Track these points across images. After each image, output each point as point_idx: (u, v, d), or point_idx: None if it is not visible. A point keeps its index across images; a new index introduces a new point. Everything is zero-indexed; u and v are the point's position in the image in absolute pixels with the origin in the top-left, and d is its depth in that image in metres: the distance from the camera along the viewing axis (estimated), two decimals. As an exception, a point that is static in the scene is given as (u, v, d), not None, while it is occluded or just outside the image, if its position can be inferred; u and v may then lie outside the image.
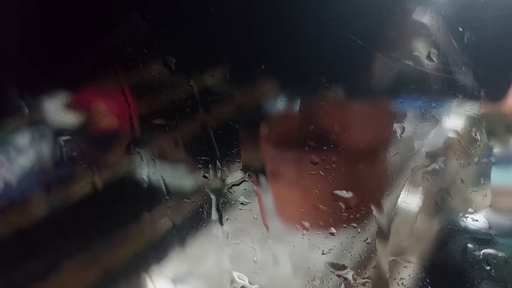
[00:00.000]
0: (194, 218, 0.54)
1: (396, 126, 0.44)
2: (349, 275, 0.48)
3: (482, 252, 0.44)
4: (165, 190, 0.55)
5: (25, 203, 0.62)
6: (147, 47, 0.50)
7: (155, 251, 0.58)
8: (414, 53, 0.42)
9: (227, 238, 0.53)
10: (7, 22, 0.57)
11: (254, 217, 0.51)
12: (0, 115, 0.61)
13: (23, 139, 0.61)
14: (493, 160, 0.43)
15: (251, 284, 0.54)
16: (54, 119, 0.59)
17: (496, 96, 0.41)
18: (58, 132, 0.59)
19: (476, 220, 0.44)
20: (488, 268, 0.44)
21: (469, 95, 0.42)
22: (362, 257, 0.48)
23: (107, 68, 0.53)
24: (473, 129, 0.43)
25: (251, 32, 0.46)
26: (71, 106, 0.58)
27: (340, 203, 0.47)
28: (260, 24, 0.46)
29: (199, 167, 0.52)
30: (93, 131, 0.58)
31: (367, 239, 0.47)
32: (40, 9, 0.56)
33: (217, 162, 0.51)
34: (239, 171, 0.51)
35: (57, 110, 0.58)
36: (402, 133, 0.44)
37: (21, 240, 0.63)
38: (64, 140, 0.58)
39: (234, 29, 0.47)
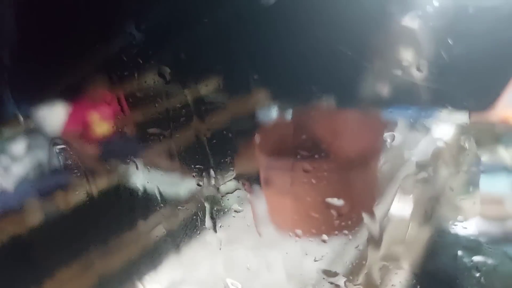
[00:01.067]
0: (188, 225, 0.54)
1: (386, 135, 0.45)
2: (341, 281, 0.49)
3: (471, 259, 0.45)
4: (159, 198, 0.55)
5: (19, 211, 0.62)
6: (142, 57, 0.50)
7: (150, 259, 0.58)
8: (403, 64, 0.43)
9: (221, 245, 0.53)
10: (3, 31, 0.58)
11: (248, 225, 0.52)
12: (-5, 123, 0.61)
13: (18, 147, 0.61)
14: (482, 168, 0.43)
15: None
16: (49, 128, 0.59)
17: (484, 105, 0.42)
18: (53, 141, 0.59)
19: (466, 227, 0.44)
20: (477, 275, 0.44)
21: (458, 105, 0.42)
22: (354, 264, 0.48)
23: (103, 77, 0.53)
24: (462, 138, 0.43)
25: (244, 42, 0.47)
26: (66, 115, 0.58)
27: (332, 211, 0.48)
28: (253, 35, 0.46)
29: (193, 176, 0.52)
30: (88, 140, 0.58)
31: (358, 246, 0.48)
32: (36, 19, 0.57)
33: (211, 170, 0.51)
34: (233, 179, 0.51)
35: (52, 119, 0.58)
36: (392, 142, 0.45)
37: (16, 248, 0.63)
38: (59, 149, 0.59)
39: (228, 40, 0.47)
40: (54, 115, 0.58)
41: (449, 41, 0.40)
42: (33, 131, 0.60)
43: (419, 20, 0.41)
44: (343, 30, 0.43)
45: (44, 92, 0.58)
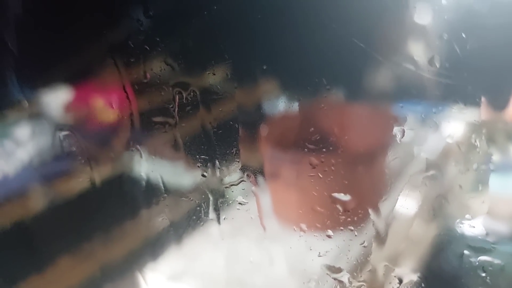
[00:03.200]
0: (191, 216, 0.54)
1: (396, 131, 0.44)
2: (345, 278, 0.48)
3: (478, 259, 0.44)
4: (163, 187, 0.55)
5: (22, 197, 0.62)
6: (149, 44, 0.49)
7: (152, 249, 0.58)
8: (415, 58, 0.42)
9: (224, 237, 0.53)
10: (8, 15, 0.57)
11: (252, 217, 0.51)
12: (-1, 107, 0.61)
13: (22, 132, 0.61)
14: (492, 167, 0.43)
15: (247, 284, 0.54)
16: (54, 113, 0.59)
17: (497, 103, 0.41)
18: (57, 126, 0.59)
19: (473, 226, 0.44)
20: (483, 275, 0.44)
21: (470, 102, 0.42)
22: (358, 261, 0.48)
23: (109, 64, 0.53)
24: (473, 136, 0.43)
25: (254, 31, 0.46)
26: (71, 100, 0.58)
27: (338, 206, 0.47)
28: (263, 24, 0.46)
29: (198, 166, 0.52)
30: (92, 126, 0.58)
31: (363, 243, 0.47)
32: (42, 3, 0.56)
33: (216, 161, 0.51)
34: (238, 171, 0.50)
35: (57, 105, 0.58)
36: (402, 137, 0.44)
37: (18, 233, 0.63)
38: (63, 135, 0.58)
39: (237, 28, 0.47)
40: (59, 100, 0.58)
41: (463, 35, 0.39)
42: (38, 116, 0.59)
43: (432, 13, 0.41)
44: (356, 22, 0.42)
45: (49, 77, 0.58)
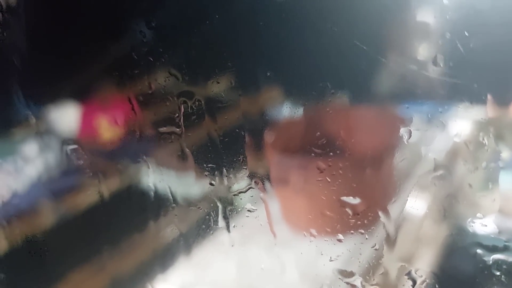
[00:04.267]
0: (201, 225, 0.54)
1: (403, 132, 0.44)
2: (358, 282, 0.48)
3: (491, 257, 0.44)
4: (171, 198, 0.55)
5: (32, 212, 0.62)
6: (152, 55, 0.50)
7: (162, 260, 0.58)
8: (419, 58, 0.42)
9: (234, 245, 0.53)
10: (14, 32, 0.58)
11: (261, 224, 0.51)
12: (7, 124, 0.61)
13: (30, 148, 0.61)
14: (501, 164, 0.42)
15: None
16: (61, 128, 0.59)
17: (504, 100, 0.41)
18: (65, 141, 0.59)
19: (485, 225, 0.44)
20: (498, 273, 0.44)
21: (476, 100, 0.41)
22: (370, 264, 0.48)
23: (113, 76, 0.53)
24: (481, 134, 0.43)
25: (256, 39, 0.46)
26: (77, 115, 0.58)
27: (348, 209, 0.47)
28: (265, 31, 0.46)
29: (206, 175, 0.52)
30: (99, 140, 0.58)
31: (375, 245, 0.47)
32: (46, 18, 0.57)
33: (224, 169, 0.51)
34: (246, 178, 0.50)
35: (64, 120, 0.59)
36: (409, 138, 0.44)
37: (28, 249, 0.63)
38: (70, 149, 0.59)
39: (239, 36, 0.47)
40: (65, 116, 0.58)
41: (466, 34, 0.39)
42: (45, 132, 0.60)
43: (435, 13, 0.41)
44: (358, 24, 0.43)
45: (55, 93, 0.58)
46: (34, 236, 0.63)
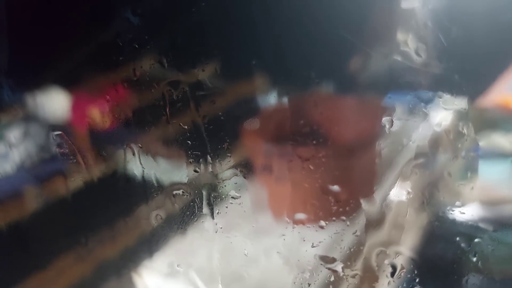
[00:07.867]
0: (185, 212, 0.54)
1: (385, 121, 0.45)
2: (339, 267, 0.49)
3: (469, 244, 0.45)
4: (156, 184, 0.55)
5: (16, 198, 0.62)
6: (138, 42, 0.50)
7: (147, 246, 0.58)
8: (402, 48, 0.42)
9: (218, 231, 0.53)
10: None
11: (245, 211, 0.52)
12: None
13: (15, 134, 0.61)
14: (480, 153, 0.43)
15: (242, 277, 0.54)
16: (46, 114, 0.59)
17: (482, 90, 0.42)
18: (50, 127, 0.59)
19: (464, 213, 0.45)
20: (475, 259, 0.45)
21: (457, 90, 0.42)
22: (351, 250, 0.48)
23: (98, 63, 0.53)
24: (460, 124, 0.43)
25: (242, 27, 0.46)
26: (62, 101, 0.58)
27: (330, 197, 0.48)
28: (251, 19, 0.46)
29: (190, 162, 0.52)
30: (84, 126, 0.58)
31: (356, 232, 0.48)
32: (31, 5, 0.56)
33: (208, 156, 0.51)
34: (230, 165, 0.51)
35: (49, 106, 0.58)
36: (391, 127, 0.45)
37: (12, 235, 0.63)
38: (55, 135, 0.58)
39: (225, 24, 0.47)
40: (50, 102, 0.58)
41: (447, 24, 0.40)
42: (30, 118, 0.59)
43: (417, 3, 0.41)
44: (341, 14, 0.43)
45: (40, 79, 0.58)
46: (18, 222, 0.63)
